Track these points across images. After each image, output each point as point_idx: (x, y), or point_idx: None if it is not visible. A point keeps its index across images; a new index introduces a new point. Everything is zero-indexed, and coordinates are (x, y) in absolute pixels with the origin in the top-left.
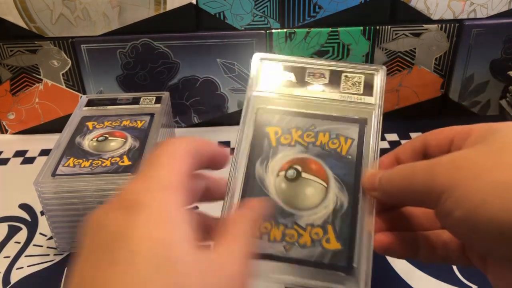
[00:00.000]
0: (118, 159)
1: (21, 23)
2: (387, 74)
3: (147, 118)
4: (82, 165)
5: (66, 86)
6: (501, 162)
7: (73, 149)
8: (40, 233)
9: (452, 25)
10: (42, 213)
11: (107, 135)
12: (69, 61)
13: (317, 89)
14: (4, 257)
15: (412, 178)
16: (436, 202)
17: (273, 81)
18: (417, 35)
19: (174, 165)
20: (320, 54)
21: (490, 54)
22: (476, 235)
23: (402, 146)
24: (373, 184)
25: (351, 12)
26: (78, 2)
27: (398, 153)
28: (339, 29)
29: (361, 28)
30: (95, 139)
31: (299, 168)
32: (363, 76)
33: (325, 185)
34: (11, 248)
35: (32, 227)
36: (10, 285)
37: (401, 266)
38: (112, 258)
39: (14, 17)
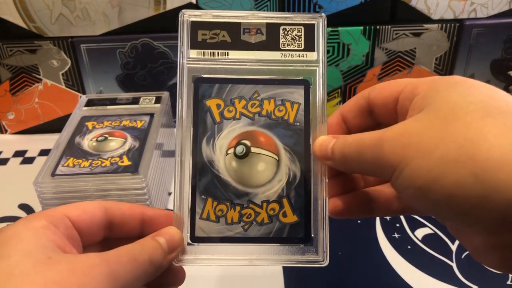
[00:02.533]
0: (117, 159)
1: (21, 23)
2: (387, 75)
3: (147, 118)
4: (82, 165)
5: (66, 86)
6: (446, 136)
7: (72, 149)
8: None
9: (453, 25)
10: None
11: (106, 135)
12: (69, 61)
13: (255, 50)
14: None
15: (362, 154)
16: (389, 177)
17: (206, 44)
18: (418, 35)
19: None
20: None
21: (490, 54)
22: (431, 210)
23: (347, 103)
24: (325, 153)
25: (351, 12)
26: (78, 1)
27: (343, 112)
28: (339, 28)
29: (361, 28)
30: (95, 139)
31: (248, 143)
32: (302, 28)
33: (276, 158)
34: None
35: None
36: None
37: (401, 266)
38: None
39: (14, 17)
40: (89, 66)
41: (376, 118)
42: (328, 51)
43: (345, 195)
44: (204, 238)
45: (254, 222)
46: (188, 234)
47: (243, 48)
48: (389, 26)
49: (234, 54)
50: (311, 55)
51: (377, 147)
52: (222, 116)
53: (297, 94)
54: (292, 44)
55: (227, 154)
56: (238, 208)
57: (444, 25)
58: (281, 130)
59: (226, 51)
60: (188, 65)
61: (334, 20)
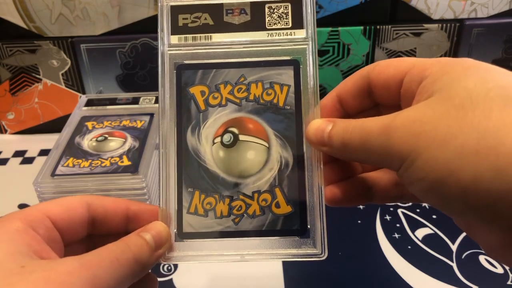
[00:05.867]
0: (117, 159)
1: (21, 23)
2: None
3: (147, 118)
4: (82, 165)
5: (66, 86)
6: (465, 125)
7: (72, 149)
8: None
9: (453, 24)
10: None
11: (106, 135)
12: (69, 61)
13: (239, 31)
14: None
15: (367, 142)
16: (396, 169)
17: (187, 29)
18: (418, 34)
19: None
20: (320, 53)
21: (491, 54)
22: (442, 204)
23: (344, 83)
24: (321, 139)
25: (351, 11)
26: (78, 1)
27: (340, 93)
28: (339, 28)
29: (362, 27)
30: (95, 139)
31: (235, 130)
32: (289, 5)
33: (266, 144)
34: None
35: None
36: None
37: (401, 266)
38: None
39: (14, 17)
40: (89, 66)
41: (375, 99)
42: (328, 51)
43: (342, 182)
44: (193, 233)
45: (245, 214)
46: (176, 230)
47: (226, 30)
48: (389, 26)
49: (217, 37)
50: (300, 33)
51: (386, 135)
52: (207, 104)
53: (286, 75)
54: (279, 22)
55: (213, 143)
56: (227, 200)
57: (444, 25)
58: (271, 115)
59: (209, 34)
60: (170, 52)
61: (334, 20)
